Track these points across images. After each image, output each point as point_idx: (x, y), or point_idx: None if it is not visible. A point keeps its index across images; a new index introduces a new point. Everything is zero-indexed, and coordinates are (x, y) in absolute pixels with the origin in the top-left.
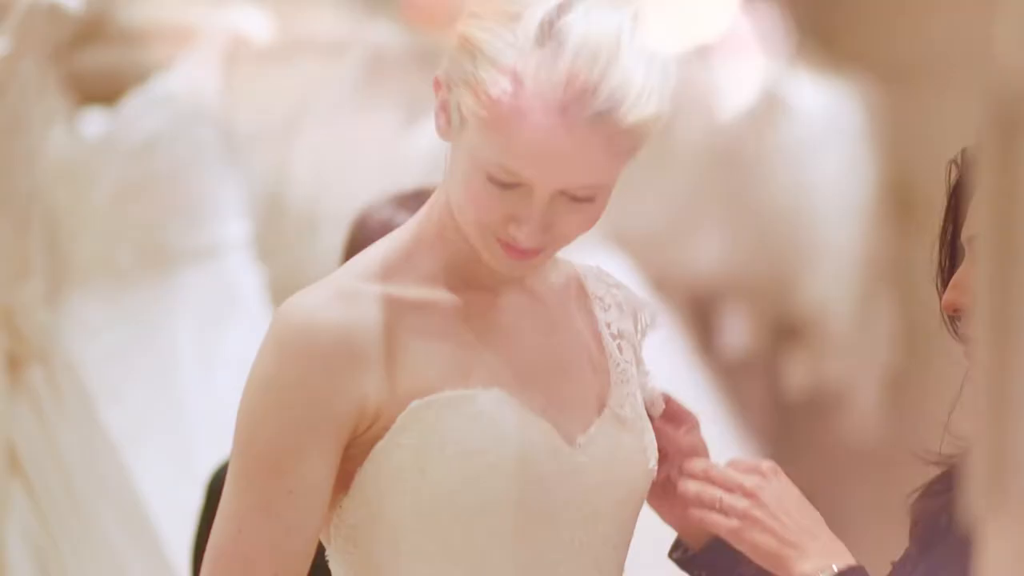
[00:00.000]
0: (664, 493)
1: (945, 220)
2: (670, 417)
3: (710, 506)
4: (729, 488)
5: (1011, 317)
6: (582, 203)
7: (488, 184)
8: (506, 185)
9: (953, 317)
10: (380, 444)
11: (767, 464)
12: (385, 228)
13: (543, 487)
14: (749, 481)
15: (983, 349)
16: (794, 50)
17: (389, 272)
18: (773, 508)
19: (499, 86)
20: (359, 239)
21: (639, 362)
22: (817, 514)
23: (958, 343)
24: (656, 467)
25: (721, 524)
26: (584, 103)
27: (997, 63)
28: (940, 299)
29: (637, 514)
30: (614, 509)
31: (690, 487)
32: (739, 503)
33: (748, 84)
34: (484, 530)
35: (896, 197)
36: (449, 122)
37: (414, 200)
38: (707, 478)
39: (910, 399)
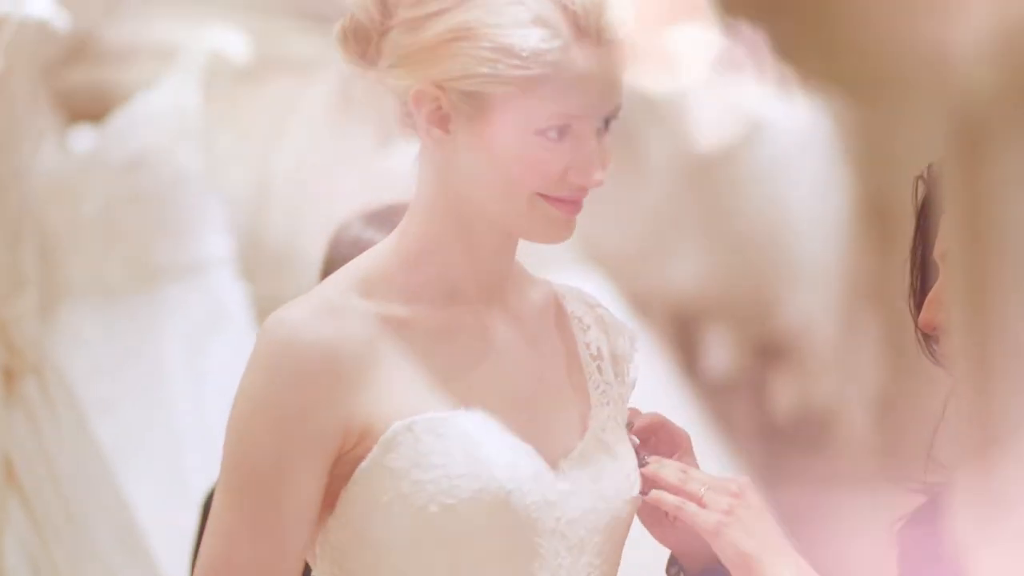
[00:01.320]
0: (661, 517)
1: (915, 237)
2: (664, 441)
3: (691, 497)
4: (712, 486)
5: (985, 332)
6: (605, 134)
7: (541, 142)
8: (559, 134)
9: (930, 336)
10: (364, 464)
11: (744, 478)
12: (355, 245)
13: (526, 512)
14: (734, 484)
15: (960, 371)
16: (773, 71)
17: (371, 288)
18: (756, 511)
19: (533, 38)
20: (333, 257)
21: (624, 386)
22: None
23: (935, 364)
24: (639, 494)
25: (701, 518)
26: (603, 20)
27: (956, 78)
28: (914, 319)
29: (623, 542)
30: (599, 536)
31: (670, 475)
32: (724, 500)
33: (734, 109)
34: (468, 555)
35: (874, 213)
36: (448, 129)
37: (383, 217)
38: (688, 475)
39: (897, 418)
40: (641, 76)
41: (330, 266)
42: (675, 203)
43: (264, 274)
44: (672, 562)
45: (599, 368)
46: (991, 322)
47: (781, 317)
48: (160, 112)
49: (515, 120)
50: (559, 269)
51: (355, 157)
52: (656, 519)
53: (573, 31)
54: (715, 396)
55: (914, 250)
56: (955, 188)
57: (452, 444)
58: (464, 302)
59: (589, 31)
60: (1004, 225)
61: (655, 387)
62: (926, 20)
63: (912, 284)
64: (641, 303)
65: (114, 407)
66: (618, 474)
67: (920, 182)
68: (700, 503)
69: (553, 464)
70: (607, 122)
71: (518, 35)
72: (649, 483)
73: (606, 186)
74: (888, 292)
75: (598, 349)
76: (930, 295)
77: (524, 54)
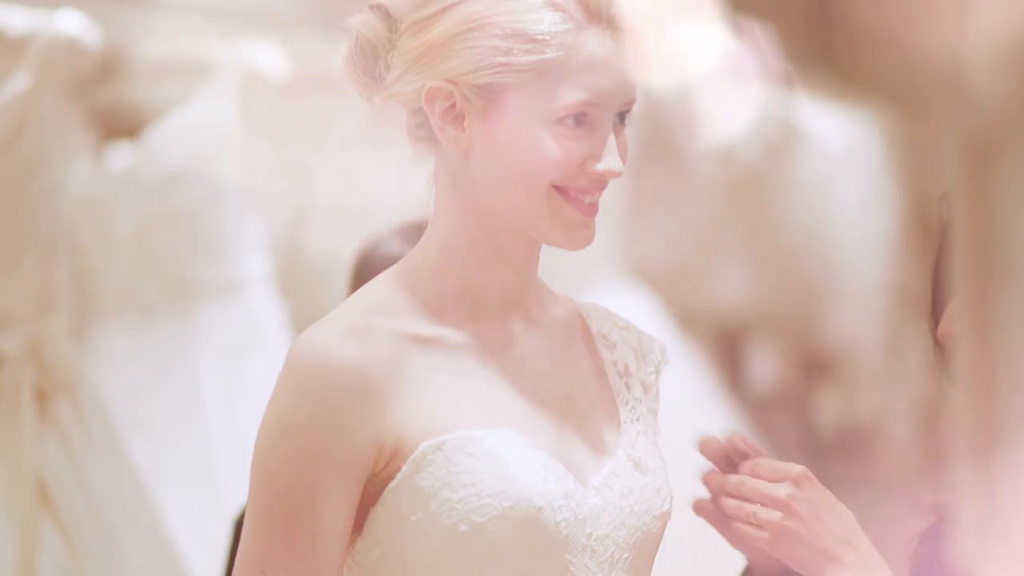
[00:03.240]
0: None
1: (939, 252)
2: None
3: (746, 521)
4: (763, 501)
5: (989, 343)
6: (621, 129)
7: (559, 131)
8: (576, 122)
9: (945, 348)
10: (392, 485)
11: (798, 469)
12: (391, 261)
13: (557, 530)
14: (782, 491)
15: (963, 382)
16: (810, 80)
17: (395, 306)
18: (806, 517)
19: (545, 21)
20: (365, 274)
21: (653, 400)
22: (852, 519)
23: (949, 379)
24: (670, 509)
25: (756, 537)
26: (614, 4)
27: (970, 91)
28: (932, 332)
29: (653, 557)
30: (629, 552)
31: (729, 504)
32: (772, 516)
33: (746, 111)
34: (498, 573)
35: (919, 226)
36: (463, 127)
37: (417, 231)
38: (741, 494)
39: (942, 432)
40: (653, 75)
41: (362, 282)
42: (720, 218)
43: (302, 291)
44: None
45: (627, 385)
46: (995, 333)
47: (826, 331)
48: (196, 128)
49: (531, 109)
50: (603, 284)
51: (394, 172)
52: (727, 523)
53: (585, 14)
54: (760, 410)
55: (937, 264)
56: (963, 199)
57: (482, 463)
58: (488, 317)
59: (600, 15)
60: (1009, 236)
61: (700, 401)
62: (941, 35)
63: (933, 297)
64: (686, 318)
65: (148, 427)
66: (648, 489)
67: (944, 200)
68: (754, 522)
69: (583, 480)
70: (622, 117)
71: (530, 19)
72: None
73: (650, 201)
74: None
75: (625, 366)
76: (950, 307)
77: (537, 37)
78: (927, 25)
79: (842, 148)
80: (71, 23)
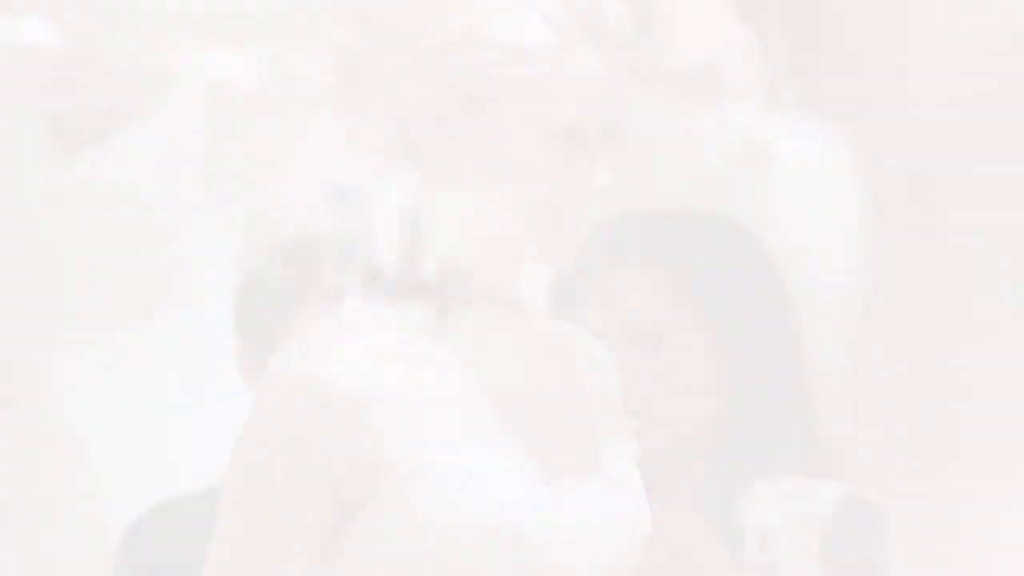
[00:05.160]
0: None
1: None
2: None
3: None
4: None
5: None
6: (612, 144)
7: (550, 144)
8: (567, 137)
9: None
10: (371, 505)
11: None
12: (269, 282)
13: (538, 552)
14: None
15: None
16: (782, 98)
17: (377, 323)
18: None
19: (540, 34)
20: (245, 297)
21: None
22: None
23: None
24: (648, 534)
25: None
26: (610, 20)
27: (912, 116)
28: None
29: None
30: None
31: None
32: None
33: (722, 121)
34: None
35: (890, 246)
36: (451, 139)
37: (297, 252)
38: None
39: (911, 454)
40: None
41: (243, 305)
42: None
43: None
44: None
45: (603, 404)
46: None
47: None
48: (160, 139)
49: (522, 122)
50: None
51: (365, 185)
52: None
53: (579, 29)
54: None
55: None
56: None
57: (459, 488)
58: (469, 334)
59: (596, 30)
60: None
61: None
62: (890, 65)
63: None
64: None
65: (105, 439)
66: (625, 511)
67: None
68: None
69: (563, 502)
70: (614, 134)
71: (524, 32)
72: None
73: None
74: (904, 327)
75: (600, 385)
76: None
77: (531, 50)
78: (878, 54)
79: (813, 168)
80: (35, 30)
